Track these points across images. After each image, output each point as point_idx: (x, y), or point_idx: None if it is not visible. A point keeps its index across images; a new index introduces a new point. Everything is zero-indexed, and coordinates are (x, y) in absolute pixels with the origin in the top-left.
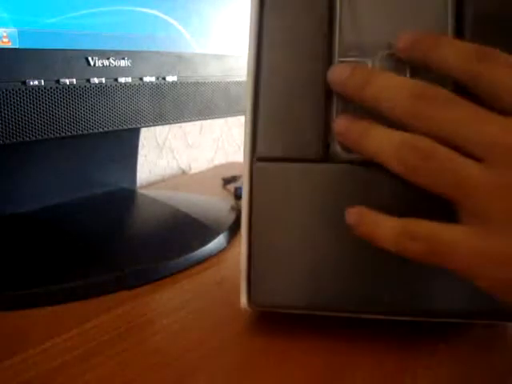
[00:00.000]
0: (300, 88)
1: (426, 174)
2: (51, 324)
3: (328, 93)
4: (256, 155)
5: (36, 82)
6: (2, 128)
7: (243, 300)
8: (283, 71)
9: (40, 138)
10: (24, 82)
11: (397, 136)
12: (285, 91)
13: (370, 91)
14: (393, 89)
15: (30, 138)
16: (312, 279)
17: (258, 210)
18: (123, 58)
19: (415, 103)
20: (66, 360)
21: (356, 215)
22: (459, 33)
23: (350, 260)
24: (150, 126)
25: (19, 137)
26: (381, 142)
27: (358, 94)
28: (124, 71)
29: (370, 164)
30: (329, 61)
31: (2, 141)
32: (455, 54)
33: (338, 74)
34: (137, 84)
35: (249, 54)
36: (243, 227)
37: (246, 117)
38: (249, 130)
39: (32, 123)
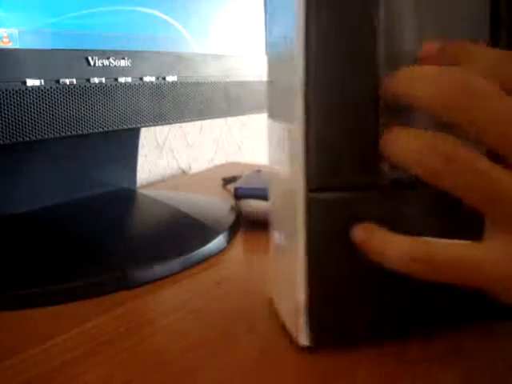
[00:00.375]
0: (349, 113)
1: (449, 177)
2: (51, 324)
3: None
4: (311, 185)
5: (36, 82)
6: (1, 128)
7: (303, 339)
8: (331, 94)
9: (40, 137)
10: (24, 82)
11: (419, 137)
12: (335, 116)
13: (403, 85)
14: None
15: (29, 137)
16: (370, 307)
17: (315, 243)
18: (123, 58)
19: (458, 95)
20: (66, 360)
21: (364, 232)
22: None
23: (399, 285)
24: (150, 125)
25: (19, 137)
26: (405, 145)
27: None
28: (124, 71)
29: (417, 182)
30: (374, 75)
31: (2, 141)
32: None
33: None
34: (137, 84)
35: (297, 81)
36: (300, 261)
37: (294, 146)
38: (301, 160)
39: (32, 123)
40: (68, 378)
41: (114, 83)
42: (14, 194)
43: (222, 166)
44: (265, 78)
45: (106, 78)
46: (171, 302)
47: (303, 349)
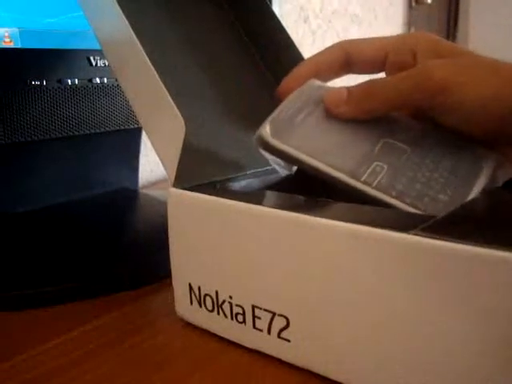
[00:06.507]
0: None
1: None
2: (51, 324)
3: None
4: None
5: (38, 82)
6: (3, 128)
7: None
8: None
9: (42, 137)
10: (26, 82)
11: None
12: None
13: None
14: None
15: (31, 137)
16: None
17: None
18: None
19: None
20: (66, 360)
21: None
22: None
23: None
24: None
25: (21, 137)
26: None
27: None
28: None
29: None
30: None
31: (4, 140)
32: None
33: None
34: None
35: None
36: None
37: None
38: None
39: (34, 123)
40: (68, 379)
41: (115, 83)
42: (14, 194)
43: None
44: None
45: (107, 78)
46: (172, 303)
47: None
